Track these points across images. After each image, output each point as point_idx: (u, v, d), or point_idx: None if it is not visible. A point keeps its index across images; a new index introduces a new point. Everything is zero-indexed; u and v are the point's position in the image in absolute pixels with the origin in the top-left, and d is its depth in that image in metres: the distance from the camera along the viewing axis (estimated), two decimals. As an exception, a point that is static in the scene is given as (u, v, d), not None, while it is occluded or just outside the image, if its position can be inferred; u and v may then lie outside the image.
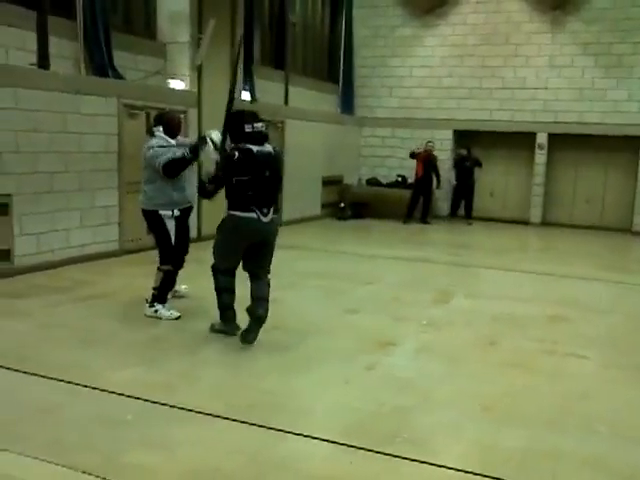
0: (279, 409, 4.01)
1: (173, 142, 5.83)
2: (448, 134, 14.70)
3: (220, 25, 10.01)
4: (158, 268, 5.86)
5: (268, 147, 5.06)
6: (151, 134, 5.94)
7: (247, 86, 11.31)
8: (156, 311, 5.82)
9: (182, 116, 5.93)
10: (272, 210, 5.08)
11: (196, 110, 9.83)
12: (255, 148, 4.92)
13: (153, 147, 5.70)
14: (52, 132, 7.60)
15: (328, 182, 14.08)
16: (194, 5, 9.75)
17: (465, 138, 14.59)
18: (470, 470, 3.32)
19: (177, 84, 9.74)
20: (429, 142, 13.80)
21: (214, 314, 5.44)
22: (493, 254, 10.67)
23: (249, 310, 5.13)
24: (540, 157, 14.21)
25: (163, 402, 3.99)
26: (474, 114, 14.47)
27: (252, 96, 11.40)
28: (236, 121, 5.00)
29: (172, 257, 5.84)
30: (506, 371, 4.90)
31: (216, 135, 5.22)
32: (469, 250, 11.07)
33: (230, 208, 5.04)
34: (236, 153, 4.90)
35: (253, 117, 5.04)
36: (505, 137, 14.40)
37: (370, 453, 3.46)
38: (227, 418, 3.80)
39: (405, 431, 3.75)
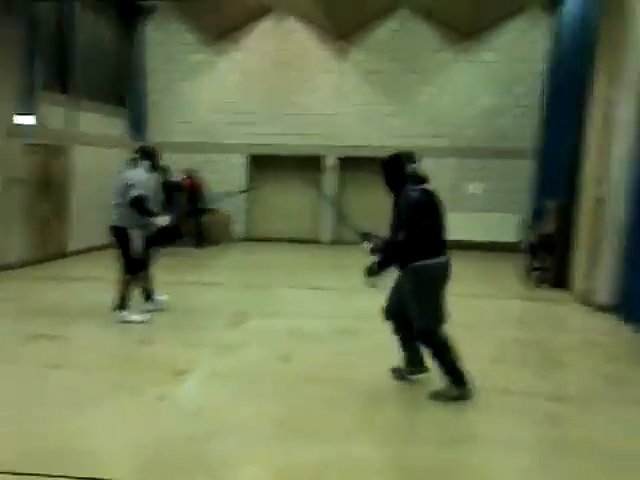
0: (62, 453, 3.77)
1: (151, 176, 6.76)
2: (242, 158, 14.95)
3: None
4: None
5: (429, 186, 4.76)
6: (135, 165, 6.71)
7: (30, 111, 10.59)
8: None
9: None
10: None
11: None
12: (427, 187, 4.67)
13: (137, 180, 6.57)
14: None
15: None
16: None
17: (260, 162, 14.92)
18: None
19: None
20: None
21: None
22: (287, 274, 10.95)
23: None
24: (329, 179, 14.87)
25: None
26: (266, 139, 14.81)
27: (36, 121, 10.71)
28: (394, 164, 4.73)
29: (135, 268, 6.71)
30: (301, 386, 5.03)
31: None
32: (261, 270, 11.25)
33: (418, 258, 4.57)
34: (417, 193, 4.56)
35: (410, 157, 4.76)
36: (298, 160, 14.89)
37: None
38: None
39: (199, 462, 3.71)
